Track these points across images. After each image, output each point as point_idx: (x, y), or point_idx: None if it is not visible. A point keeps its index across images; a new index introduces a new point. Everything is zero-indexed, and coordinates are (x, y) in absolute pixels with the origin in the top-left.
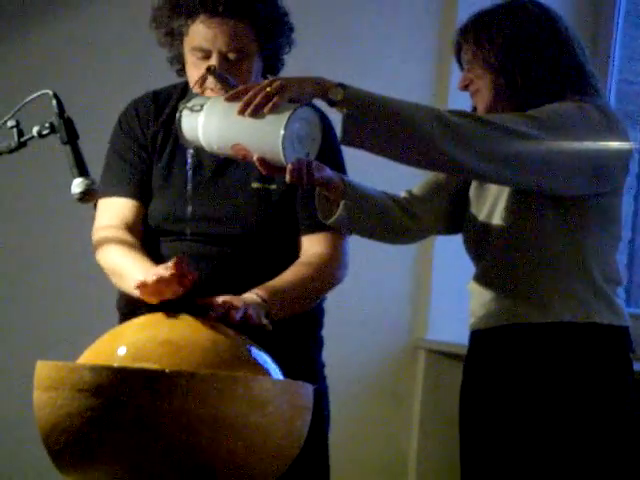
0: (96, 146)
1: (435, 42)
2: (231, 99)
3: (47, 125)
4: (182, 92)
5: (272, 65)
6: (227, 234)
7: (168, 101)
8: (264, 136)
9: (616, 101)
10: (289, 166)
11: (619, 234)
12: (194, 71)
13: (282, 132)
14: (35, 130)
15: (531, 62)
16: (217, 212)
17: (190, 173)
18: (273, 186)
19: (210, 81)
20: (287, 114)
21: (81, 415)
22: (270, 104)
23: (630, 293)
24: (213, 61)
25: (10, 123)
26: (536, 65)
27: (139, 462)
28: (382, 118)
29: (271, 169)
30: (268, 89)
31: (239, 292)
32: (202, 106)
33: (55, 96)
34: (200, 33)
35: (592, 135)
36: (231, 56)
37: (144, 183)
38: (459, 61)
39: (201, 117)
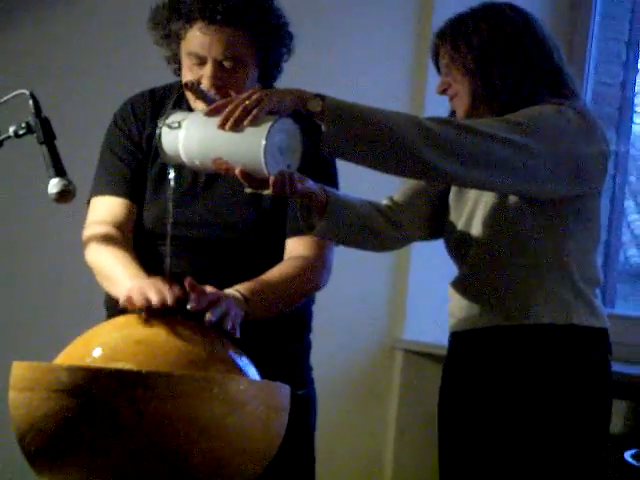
0: (78, 147)
1: (411, 47)
2: (211, 113)
3: (24, 125)
4: (180, 91)
5: (269, 73)
6: (220, 238)
7: (165, 100)
8: (245, 149)
9: (593, 103)
10: (272, 178)
11: (598, 235)
12: (189, 75)
13: (263, 143)
14: (12, 130)
15: (509, 66)
16: (211, 217)
17: (172, 184)
18: (265, 191)
19: (203, 83)
20: (267, 126)
21: (57, 416)
22: (250, 117)
23: (605, 294)
24: (208, 68)
25: None
26: (514, 69)
27: (115, 463)
28: (361, 128)
29: (254, 182)
30: (247, 102)
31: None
32: (180, 123)
33: (32, 96)
34: (197, 39)
35: (571, 138)
36: (226, 64)
37: (137, 183)
38: (437, 65)
39: (181, 133)
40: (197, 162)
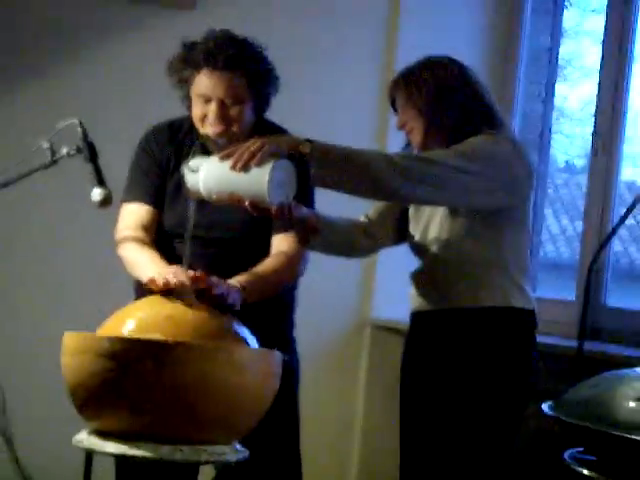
0: (115, 163)
1: (376, 85)
2: (223, 158)
3: (74, 147)
4: (191, 123)
5: (261, 107)
6: (222, 238)
7: (180, 130)
8: (253, 185)
9: (519, 131)
10: (274, 208)
11: (528, 235)
12: (197, 110)
13: (267, 180)
14: (65, 151)
15: (451, 106)
16: (215, 220)
17: (191, 213)
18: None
19: (209, 118)
20: (269, 166)
21: (100, 375)
22: (255, 159)
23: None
24: (213, 105)
25: (45, 145)
26: (455, 108)
27: (144, 413)
28: (343, 164)
29: (260, 211)
30: (252, 148)
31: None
32: (199, 167)
33: (80, 124)
34: (203, 82)
35: (504, 160)
36: (227, 102)
37: (159, 193)
38: (393, 107)
39: (201, 175)
40: (214, 197)
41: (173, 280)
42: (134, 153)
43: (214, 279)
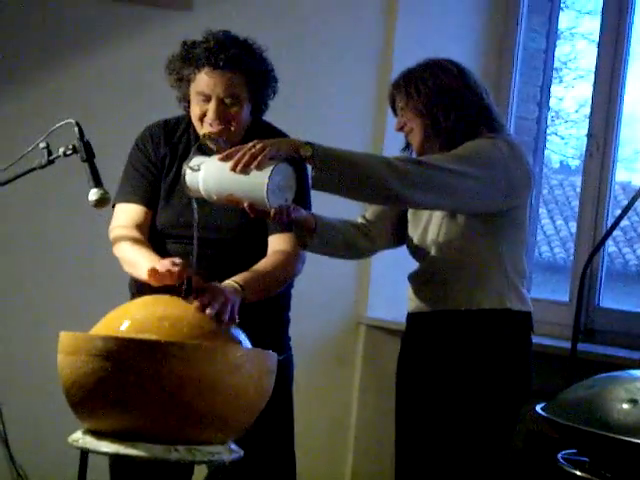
0: (111, 163)
1: (374, 87)
2: (224, 159)
3: (70, 147)
4: (188, 123)
5: (259, 108)
6: (217, 238)
7: (176, 129)
8: (252, 188)
9: (514, 133)
10: (273, 210)
11: (525, 237)
12: (197, 109)
13: (266, 183)
14: (61, 150)
15: (449, 107)
16: (209, 221)
17: (196, 215)
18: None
19: (208, 116)
20: (269, 169)
21: (94, 374)
22: (255, 162)
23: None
24: (212, 104)
25: (42, 145)
26: (453, 109)
27: (139, 412)
28: (343, 168)
29: (258, 213)
30: (253, 150)
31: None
32: (199, 166)
33: (77, 124)
34: (204, 81)
35: (504, 163)
36: (227, 101)
37: (153, 193)
38: (393, 109)
39: (201, 174)
40: (214, 197)
41: (175, 269)
42: (129, 153)
43: (210, 286)
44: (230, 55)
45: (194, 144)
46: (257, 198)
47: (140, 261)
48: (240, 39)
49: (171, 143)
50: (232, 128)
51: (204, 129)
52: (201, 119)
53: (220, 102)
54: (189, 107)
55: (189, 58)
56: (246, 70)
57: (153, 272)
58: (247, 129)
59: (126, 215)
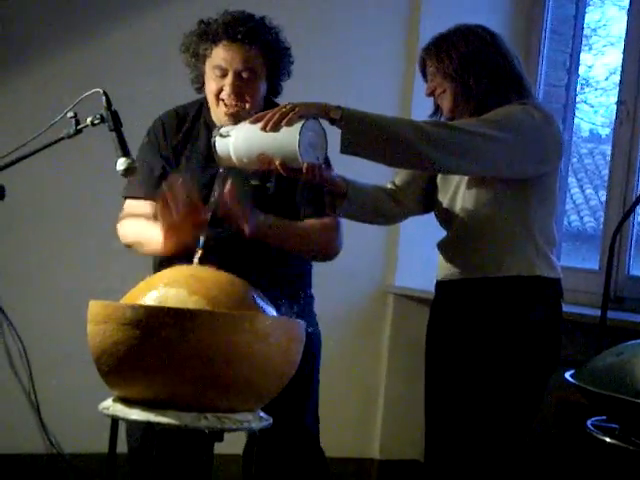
0: (137, 131)
1: (401, 56)
2: (254, 122)
3: (98, 116)
4: (198, 109)
5: (274, 89)
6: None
7: (187, 117)
8: (283, 144)
9: (543, 101)
10: (305, 166)
11: (555, 205)
12: (212, 85)
13: (298, 138)
14: (89, 120)
15: (481, 73)
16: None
17: (217, 187)
18: (269, 184)
19: (225, 90)
20: (300, 125)
21: (124, 343)
22: (286, 119)
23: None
24: (229, 78)
25: (70, 114)
26: (485, 75)
27: (168, 380)
28: (373, 132)
29: (290, 171)
30: (283, 109)
31: (243, 268)
32: (229, 132)
33: (104, 93)
34: (221, 55)
35: (535, 129)
36: (244, 75)
37: (161, 186)
38: (424, 74)
39: (231, 139)
40: (245, 160)
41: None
42: (140, 145)
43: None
44: (248, 28)
45: (203, 128)
46: (289, 153)
47: (148, 233)
48: (257, 16)
49: (184, 130)
50: (247, 105)
51: (220, 108)
52: (217, 95)
53: (237, 76)
54: (202, 88)
55: (207, 33)
56: (263, 44)
57: (168, 229)
58: (260, 110)
59: (135, 209)
